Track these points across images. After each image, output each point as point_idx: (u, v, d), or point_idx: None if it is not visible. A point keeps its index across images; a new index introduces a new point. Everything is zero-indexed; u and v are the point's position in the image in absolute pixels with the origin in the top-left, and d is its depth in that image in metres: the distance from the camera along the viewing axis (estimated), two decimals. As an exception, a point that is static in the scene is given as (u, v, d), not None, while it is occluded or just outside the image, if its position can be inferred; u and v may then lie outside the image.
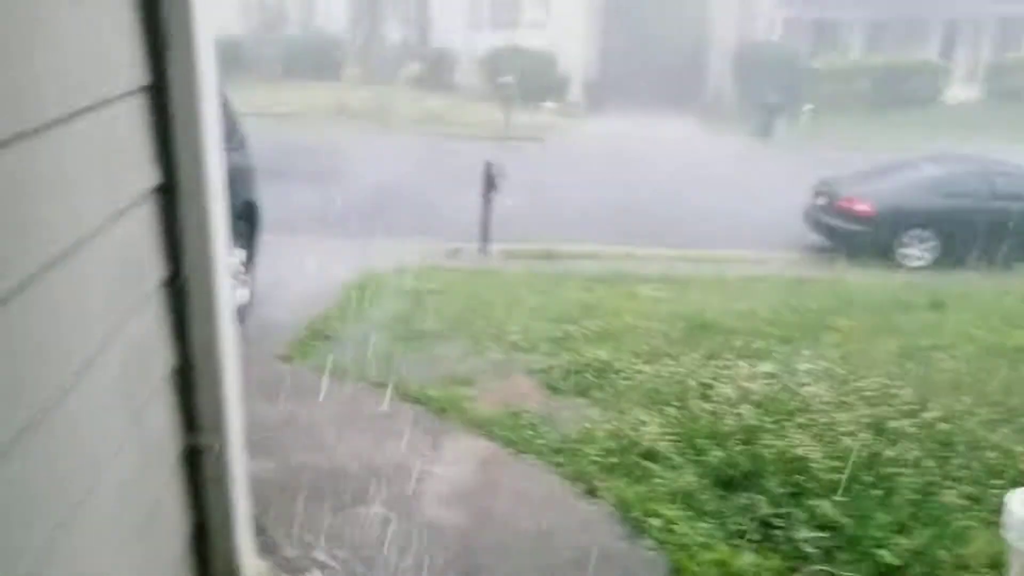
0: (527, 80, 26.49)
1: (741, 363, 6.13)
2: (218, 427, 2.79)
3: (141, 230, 2.39)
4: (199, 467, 2.80)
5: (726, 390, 5.44)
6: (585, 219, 15.68)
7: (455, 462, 4.70)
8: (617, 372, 6.04)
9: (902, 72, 28.00)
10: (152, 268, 2.47)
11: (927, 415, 5.08)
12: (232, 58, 27.66)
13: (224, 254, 2.75)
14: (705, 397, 5.44)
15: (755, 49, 28.83)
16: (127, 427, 2.28)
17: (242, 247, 7.49)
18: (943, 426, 4.97)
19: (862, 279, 11.65)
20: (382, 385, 5.67)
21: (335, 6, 29.82)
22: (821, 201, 14.41)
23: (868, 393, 5.44)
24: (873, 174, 14.84)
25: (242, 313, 7.16)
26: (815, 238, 14.59)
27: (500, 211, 13.29)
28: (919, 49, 29.03)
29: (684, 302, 8.90)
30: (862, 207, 13.60)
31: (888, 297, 9.88)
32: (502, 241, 13.26)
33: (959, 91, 28.85)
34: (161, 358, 2.56)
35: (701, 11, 36.79)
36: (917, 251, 13.57)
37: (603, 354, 6.40)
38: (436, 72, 27.40)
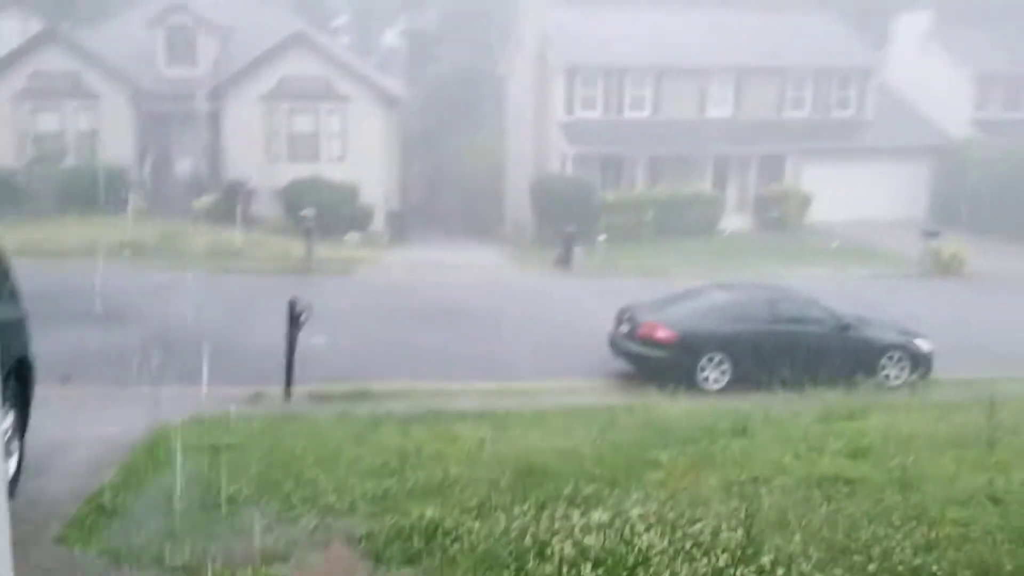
0: (329, 212, 26.24)
1: (574, 513, 5.92)
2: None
3: None
4: None
5: (564, 547, 5.18)
6: (396, 354, 15.34)
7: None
8: (447, 533, 5.65)
9: (682, 203, 30.22)
10: None
11: (763, 559, 5.04)
12: (5, 193, 25.64)
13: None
14: (543, 556, 5.15)
15: (550, 181, 30.24)
16: None
17: (11, 408, 6.59)
18: (780, 571, 4.92)
19: (669, 406, 11.95)
20: (183, 571, 4.97)
21: (120, 136, 28.55)
22: (624, 328, 14.87)
23: (703, 539, 5.35)
24: (670, 301, 15.54)
25: (11, 487, 6.20)
26: (620, 364, 14.96)
27: (306, 350, 12.71)
28: (695, 182, 31.54)
29: (507, 442, 8.68)
30: (663, 334, 14.12)
31: (696, 424, 10.11)
32: (310, 382, 12.62)
33: (733, 220, 31.46)
34: None
35: (498, 144, 38.52)
36: (715, 374, 14.17)
37: (430, 512, 5.99)
38: (231, 204, 26.60)
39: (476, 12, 40.63)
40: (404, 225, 31.50)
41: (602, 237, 26.91)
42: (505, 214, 37.32)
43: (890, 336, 14.83)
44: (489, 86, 39.23)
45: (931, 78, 36.02)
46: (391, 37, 51.37)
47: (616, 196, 29.96)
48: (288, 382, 12.31)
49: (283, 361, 12.17)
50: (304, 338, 12.60)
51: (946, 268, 25.05)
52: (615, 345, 14.97)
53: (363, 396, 12.36)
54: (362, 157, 29.34)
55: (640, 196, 30.34)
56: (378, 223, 29.39)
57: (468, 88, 41.12)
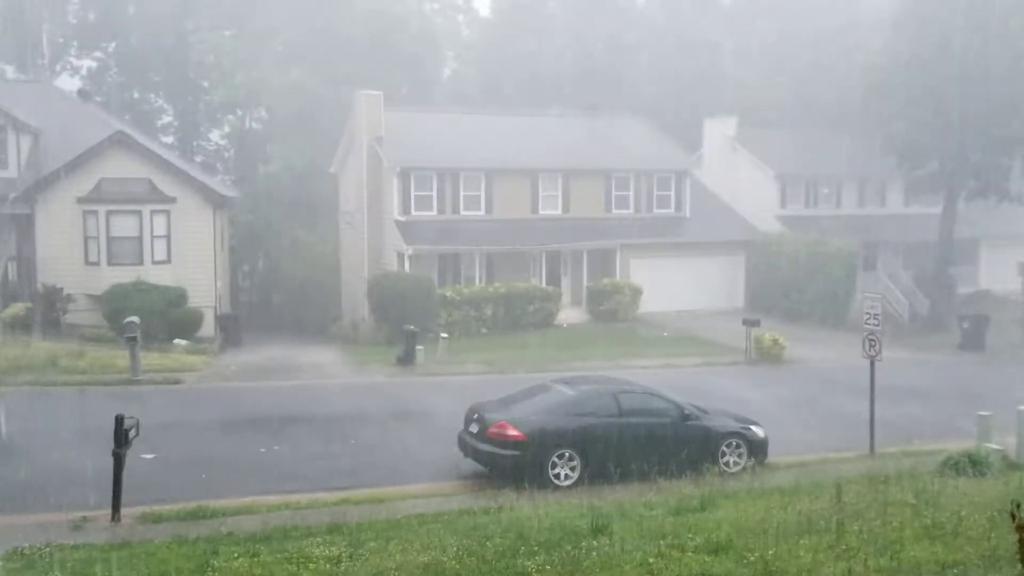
0: (154, 317, 24.88)
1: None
2: None
3: None
4: None
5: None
6: (234, 468, 14.46)
7: None
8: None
9: (520, 298, 30.76)
10: None
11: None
12: None
13: None
14: None
15: (388, 279, 30.05)
16: None
17: None
18: None
19: (524, 506, 11.79)
20: None
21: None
22: (474, 428, 14.69)
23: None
24: (517, 398, 15.52)
25: None
26: (471, 464, 14.71)
27: (135, 468, 11.77)
28: (531, 278, 32.27)
29: (364, 560, 8.23)
30: (513, 433, 14.03)
31: (555, 526, 9.99)
32: (140, 503, 11.65)
33: (569, 313, 32.29)
34: None
35: (333, 243, 38.06)
36: (565, 470, 14.17)
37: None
38: (47, 312, 24.73)
39: (307, 111, 40.55)
40: (236, 328, 30.25)
41: (444, 334, 26.85)
42: (343, 313, 36.69)
43: (728, 424, 15.38)
44: (322, 184, 38.99)
45: (740, 178, 39.00)
46: (218, 136, 50.35)
47: (455, 292, 30.13)
48: (116, 504, 11.32)
49: (110, 482, 11.20)
50: (132, 455, 11.68)
51: (768, 354, 26.58)
52: (465, 445, 14.75)
53: (200, 515, 11.53)
54: (189, 259, 28.17)
55: (478, 292, 30.65)
56: (208, 327, 28.10)
57: (300, 187, 40.67)
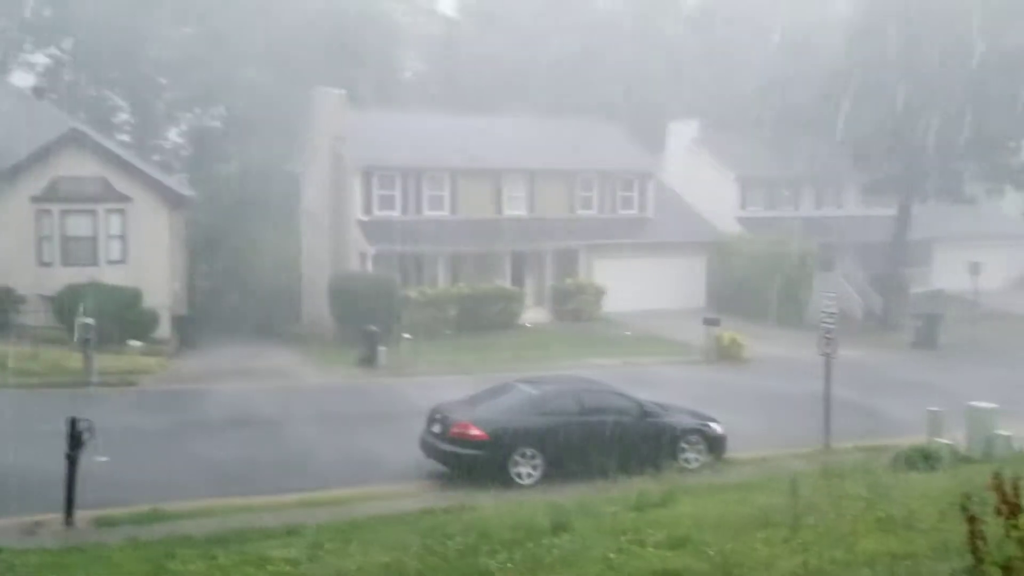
0: (109, 318, 24.39)
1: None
2: None
3: None
4: None
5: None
6: (190, 470, 14.27)
7: None
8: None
9: (484, 299, 30.69)
10: None
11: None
12: None
13: None
14: None
15: (350, 280, 29.82)
16: None
17: None
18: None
19: (486, 504, 11.79)
20: None
21: None
22: (436, 428, 14.65)
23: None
24: (480, 399, 15.52)
25: None
26: (433, 465, 14.67)
27: (91, 471, 11.56)
28: (495, 278, 32.24)
29: (324, 562, 8.17)
30: (475, 432, 14.03)
31: (517, 523, 9.99)
32: (95, 506, 11.46)
33: (533, 313, 32.31)
34: None
35: (293, 243, 37.67)
36: (527, 469, 14.20)
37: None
38: (-2, 313, 24.25)
39: (267, 110, 40.13)
40: (193, 329, 29.84)
41: (407, 335, 26.73)
42: (303, 314, 36.37)
43: (687, 421, 15.52)
44: (282, 184, 38.58)
45: (702, 180, 39.31)
46: (176, 135, 49.59)
47: (418, 293, 30.00)
48: (69, 508, 11.13)
49: (63, 486, 11.00)
50: (86, 458, 11.47)
51: (727, 353, 26.85)
52: (427, 446, 14.72)
53: (156, 518, 11.38)
54: (145, 259, 27.71)
55: (442, 293, 30.56)
56: (165, 328, 27.68)
57: (260, 186, 40.21)
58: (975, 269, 32.21)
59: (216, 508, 12.03)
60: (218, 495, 12.70)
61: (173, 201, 29.01)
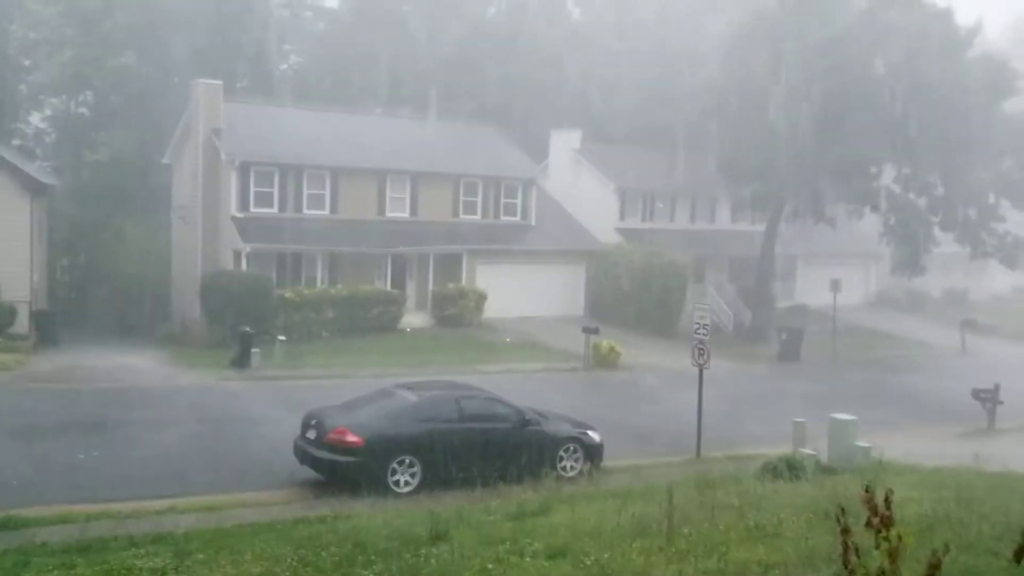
0: (-42, 311, 22.83)
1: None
2: None
3: None
4: None
5: None
6: (45, 474, 13.44)
7: None
8: None
9: (363, 302, 30.21)
10: None
11: None
12: None
13: None
14: None
15: (223, 278, 28.79)
16: None
17: None
18: None
19: (362, 513, 11.58)
20: None
21: None
22: (311, 434, 14.28)
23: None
24: (357, 404, 15.21)
25: None
26: (307, 472, 14.30)
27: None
28: (375, 281, 31.79)
29: (190, 574, 7.81)
30: (352, 439, 13.74)
31: (394, 533, 9.86)
32: (-64, 517, 10.63)
33: (413, 318, 32.00)
34: None
35: (163, 237, 36.08)
36: (405, 477, 14.00)
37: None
38: None
39: (139, 98, 38.37)
40: (54, 325, 28.18)
41: (282, 337, 26.04)
42: (173, 312, 34.91)
43: (566, 429, 15.67)
44: (154, 176, 36.96)
45: (584, 189, 40.05)
46: (39, 120, 46.76)
47: (295, 294, 29.25)
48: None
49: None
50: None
51: (605, 361, 27.39)
52: (301, 452, 14.33)
53: (10, 525, 10.66)
54: (2, 250, 26.03)
55: (320, 294, 29.91)
56: (22, 324, 26.04)
57: (129, 177, 38.38)
58: (835, 286, 33.93)
59: (75, 514, 11.37)
60: (78, 501, 12.01)
61: (34, 189, 27.35)
